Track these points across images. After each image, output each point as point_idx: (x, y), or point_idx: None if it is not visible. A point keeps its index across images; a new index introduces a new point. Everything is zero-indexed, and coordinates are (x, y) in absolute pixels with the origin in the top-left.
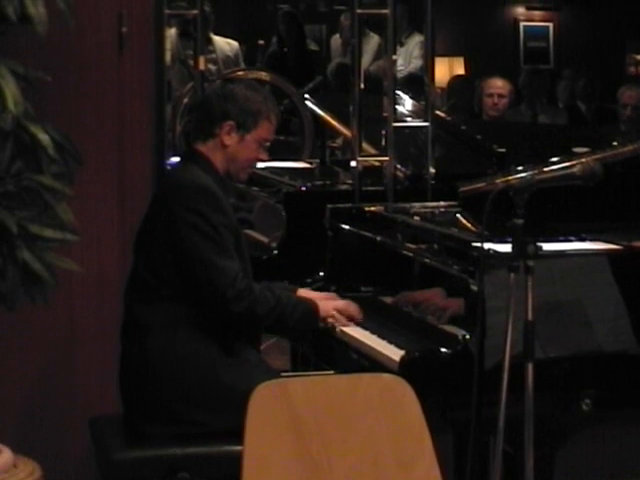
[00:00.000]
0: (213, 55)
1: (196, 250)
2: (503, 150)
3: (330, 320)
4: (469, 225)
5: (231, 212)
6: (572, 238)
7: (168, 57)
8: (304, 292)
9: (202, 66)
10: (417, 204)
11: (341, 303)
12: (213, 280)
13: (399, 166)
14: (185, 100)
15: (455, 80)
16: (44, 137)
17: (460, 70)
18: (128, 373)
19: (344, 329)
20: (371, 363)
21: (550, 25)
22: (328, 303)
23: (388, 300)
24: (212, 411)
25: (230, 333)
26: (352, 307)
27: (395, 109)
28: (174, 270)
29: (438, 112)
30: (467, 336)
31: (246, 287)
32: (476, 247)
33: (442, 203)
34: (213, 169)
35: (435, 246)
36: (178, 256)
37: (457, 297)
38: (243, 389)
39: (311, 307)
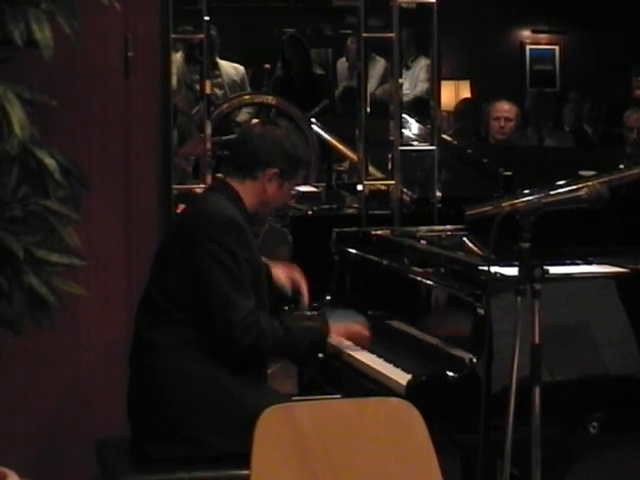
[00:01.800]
0: (219, 79)
1: (213, 282)
2: (509, 173)
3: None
4: (476, 249)
5: (255, 246)
6: (579, 261)
7: (174, 81)
8: (274, 265)
9: (208, 90)
10: (423, 228)
11: (349, 327)
12: (225, 314)
13: (405, 190)
14: None
15: (462, 104)
16: (50, 162)
17: (466, 93)
18: (136, 394)
19: (351, 353)
20: (378, 387)
21: (556, 48)
22: (339, 327)
23: (395, 324)
24: (220, 432)
25: (238, 357)
26: (363, 331)
27: (401, 133)
28: (187, 296)
29: (444, 136)
30: (474, 359)
31: (254, 321)
32: (483, 271)
33: (449, 227)
34: (240, 204)
35: (442, 270)
36: (195, 284)
37: (464, 321)
38: (252, 410)
39: (320, 331)
